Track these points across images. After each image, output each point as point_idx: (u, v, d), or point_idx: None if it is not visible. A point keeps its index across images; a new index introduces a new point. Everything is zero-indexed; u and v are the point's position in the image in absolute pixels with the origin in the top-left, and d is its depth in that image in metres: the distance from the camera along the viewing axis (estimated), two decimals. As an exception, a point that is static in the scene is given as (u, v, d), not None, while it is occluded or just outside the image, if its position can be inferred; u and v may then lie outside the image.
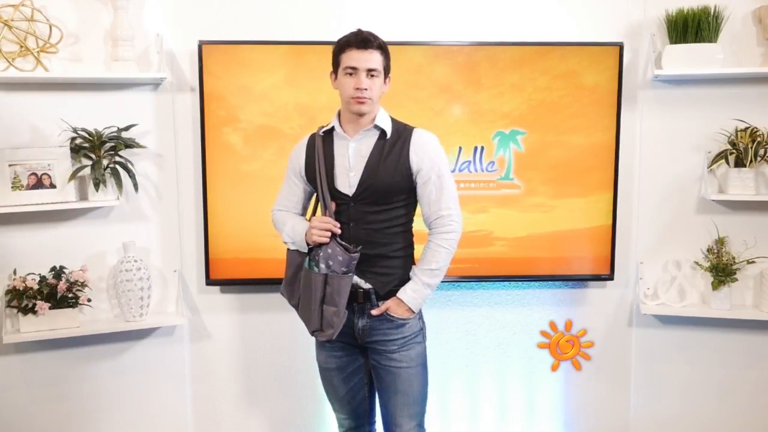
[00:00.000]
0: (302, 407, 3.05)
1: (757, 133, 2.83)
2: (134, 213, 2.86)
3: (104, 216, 2.83)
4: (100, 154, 2.69)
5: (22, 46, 2.62)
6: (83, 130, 2.67)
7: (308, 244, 2.18)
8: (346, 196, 2.16)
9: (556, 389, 3.13)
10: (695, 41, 2.80)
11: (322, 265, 2.14)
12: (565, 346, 3.10)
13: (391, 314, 2.18)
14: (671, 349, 3.07)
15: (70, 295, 2.68)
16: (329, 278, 2.13)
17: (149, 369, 2.93)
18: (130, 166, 2.73)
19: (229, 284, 2.93)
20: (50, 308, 2.64)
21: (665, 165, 2.98)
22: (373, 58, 2.10)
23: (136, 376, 2.92)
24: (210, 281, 2.87)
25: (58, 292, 2.64)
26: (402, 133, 2.21)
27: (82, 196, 2.74)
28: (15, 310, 2.65)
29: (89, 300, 2.72)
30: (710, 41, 2.80)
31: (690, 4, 2.82)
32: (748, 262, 2.92)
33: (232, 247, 2.84)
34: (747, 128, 2.84)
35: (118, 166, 2.71)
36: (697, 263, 2.97)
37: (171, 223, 2.90)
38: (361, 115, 2.14)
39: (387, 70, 2.17)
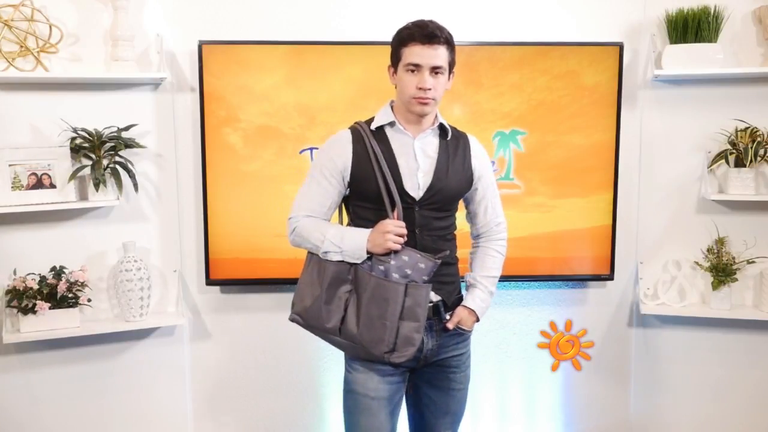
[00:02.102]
0: (302, 407, 3.05)
1: (757, 133, 2.83)
2: (134, 213, 2.86)
3: (104, 216, 2.83)
4: (100, 154, 2.69)
5: (22, 46, 2.62)
6: (83, 130, 2.67)
7: (368, 253, 1.93)
8: (413, 199, 1.97)
9: (556, 389, 3.13)
10: (695, 41, 2.80)
11: (395, 275, 1.90)
12: (565, 346, 3.10)
13: (462, 326, 2.05)
14: (671, 349, 3.07)
15: (70, 295, 2.68)
16: (409, 289, 1.89)
17: (149, 369, 2.93)
18: (130, 166, 2.73)
19: (229, 284, 2.93)
20: (50, 308, 2.64)
21: (665, 165, 2.98)
22: (438, 54, 1.92)
23: (136, 376, 2.92)
24: (210, 281, 2.87)
25: (58, 292, 2.64)
26: (460, 136, 2.11)
27: (82, 196, 2.74)
28: (15, 310, 2.65)
29: (89, 300, 2.72)
30: (710, 41, 2.80)
31: (690, 4, 2.82)
32: (748, 262, 2.92)
33: (232, 247, 2.84)
34: (747, 128, 2.84)
35: (118, 166, 2.71)
36: (697, 263, 2.97)
37: (171, 223, 2.90)
38: (423, 115, 1.99)
39: (452, 65, 2.00)
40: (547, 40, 2.86)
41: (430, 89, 1.92)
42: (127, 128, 2.73)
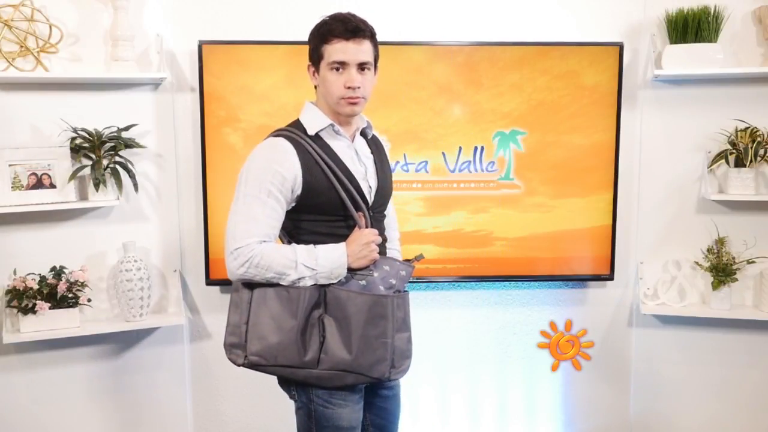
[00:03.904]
0: (302, 407, 3.05)
1: (757, 133, 2.83)
2: (134, 213, 2.86)
3: (104, 216, 2.83)
4: (100, 154, 2.69)
5: (22, 46, 2.62)
6: (83, 130, 2.67)
7: (350, 269, 1.80)
8: (367, 204, 1.86)
9: (556, 389, 3.13)
10: (695, 41, 2.80)
11: (381, 288, 1.80)
12: (565, 346, 3.10)
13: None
14: (671, 349, 3.07)
15: (70, 295, 2.68)
16: (397, 300, 1.80)
17: (149, 369, 2.93)
18: (130, 166, 2.73)
19: (230, 284, 2.90)
20: (50, 308, 2.64)
21: (665, 165, 2.98)
22: (364, 50, 1.78)
23: (136, 376, 2.92)
24: (210, 281, 2.87)
25: (58, 292, 2.64)
26: (374, 135, 2.01)
27: (82, 196, 2.74)
28: (15, 310, 2.65)
29: (89, 300, 2.72)
30: (710, 41, 2.80)
31: (690, 4, 2.82)
32: (748, 262, 2.92)
33: (232, 247, 2.84)
34: (747, 128, 2.84)
35: (118, 166, 2.71)
36: (697, 263, 2.97)
37: (171, 223, 2.90)
38: (352, 116, 1.86)
39: (377, 60, 1.86)
40: (547, 40, 2.86)
41: (359, 87, 1.79)
42: (127, 128, 2.73)
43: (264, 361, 1.80)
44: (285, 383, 1.92)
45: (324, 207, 1.82)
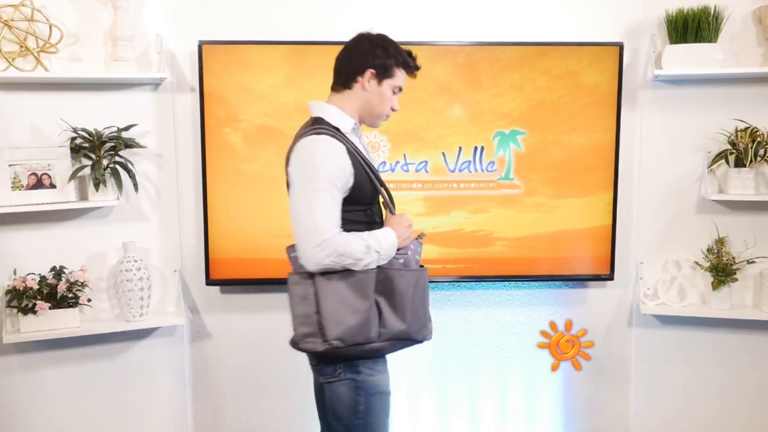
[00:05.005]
0: (303, 407, 3.05)
1: (757, 133, 2.83)
2: (134, 213, 2.86)
3: (104, 216, 2.83)
4: (100, 154, 2.69)
5: (22, 46, 2.62)
6: (83, 130, 2.67)
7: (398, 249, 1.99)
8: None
9: (556, 389, 3.13)
10: (695, 41, 2.80)
11: (413, 263, 2.00)
12: (565, 346, 3.10)
13: None
14: (671, 349, 3.07)
15: (70, 295, 2.68)
16: (424, 272, 2.02)
17: (149, 369, 2.93)
18: (130, 166, 2.73)
19: (229, 284, 2.93)
20: (50, 308, 2.64)
21: (665, 165, 2.98)
22: None
23: (136, 376, 2.92)
24: (210, 281, 2.87)
25: (58, 292, 2.64)
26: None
27: (82, 196, 2.74)
28: (15, 310, 2.65)
29: (89, 300, 2.72)
30: (710, 41, 2.80)
31: (690, 4, 2.82)
32: (748, 262, 2.92)
33: (232, 247, 2.84)
34: (747, 128, 2.84)
35: (118, 166, 2.71)
36: (697, 263, 2.97)
37: (171, 223, 2.90)
38: (374, 128, 2.15)
39: None
40: (547, 40, 2.86)
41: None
42: (127, 128, 2.73)
43: (343, 343, 1.89)
44: (330, 363, 1.98)
45: (362, 197, 1.97)
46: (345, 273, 1.89)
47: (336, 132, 1.95)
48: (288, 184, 2.00)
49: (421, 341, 2.02)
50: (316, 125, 1.95)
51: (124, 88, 2.80)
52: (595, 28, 2.92)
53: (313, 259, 1.85)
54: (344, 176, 1.90)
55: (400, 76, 2.02)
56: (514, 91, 2.84)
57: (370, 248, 1.89)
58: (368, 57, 1.99)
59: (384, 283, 1.93)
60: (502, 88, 2.84)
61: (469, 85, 2.83)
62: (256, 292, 2.98)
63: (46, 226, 2.75)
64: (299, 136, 1.98)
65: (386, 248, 1.93)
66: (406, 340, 1.98)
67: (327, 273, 1.89)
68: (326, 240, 1.83)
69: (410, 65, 2.04)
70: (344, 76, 2.01)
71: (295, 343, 1.96)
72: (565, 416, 3.14)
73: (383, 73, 2.00)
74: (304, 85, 2.78)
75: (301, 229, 1.87)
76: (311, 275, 1.90)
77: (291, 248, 1.98)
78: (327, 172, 1.87)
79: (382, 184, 2.05)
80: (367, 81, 1.99)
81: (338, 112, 2.00)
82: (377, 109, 2.02)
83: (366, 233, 1.92)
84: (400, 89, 2.04)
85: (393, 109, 2.05)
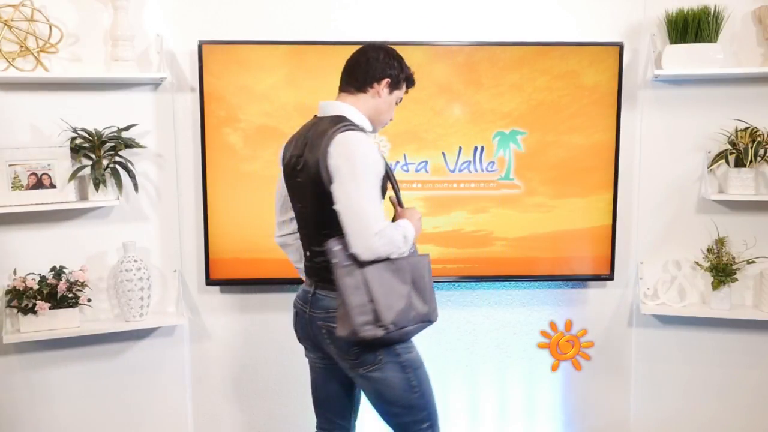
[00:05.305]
0: (303, 407, 3.04)
1: (757, 133, 2.83)
2: (134, 213, 2.86)
3: (104, 216, 2.83)
4: (100, 154, 2.69)
5: (22, 46, 2.62)
6: (83, 130, 2.67)
7: None
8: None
9: (556, 389, 3.13)
10: (695, 41, 2.80)
11: (416, 252, 2.13)
12: (565, 346, 3.10)
13: None
14: (671, 349, 3.07)
15: (70, 295, 2.68)
16: None
17: (149, 369, 2.93)
18: (130, 166, 2.73)
19: (229, 284, 2.93)
20: (50, 308, 2.64)
21: (665, 165, 2.98)
22: None
23: (136, 376, 2.92)
24: (210, 281, 2.87)
25: (58, 292, 2.65)
26: None
27: (82, 196, 2.74)
28: (15, 310, 2.65)
29: (89, 300, 2.72)
30: (710, 41, 2.80)
31: (690, 4, 2.82)
32: (748, 262, 2.92)
33: (232, 247, 2.84)
34: (747, 128, 2.84)
35: (118, 166, 2.71)
36: (697, 263, 2.97)
37: (171, 223, 2.90)
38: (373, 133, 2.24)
39: None
40: (547, 40, 2.86)
41: None
42: (127, 128, 2.73)
43: (395, 327, 1.99)
44: (371, 351, 2.05)
45: (382, 193, 2.06)
46: (387, 261, 1.98)
47: (362, 130, 2.06)
48: (311, 178, 2.01)
49: (433, 322, 2.12)
50: (346, 122, 2.03)
51: (124, 88, 2.80)
52: (595, 28, 2.92)
53: (371, 248, 1.93)
54: (381, 171, 2.01)
55: (403, 89, 2.17)
56: (514, 91, 2.84)
57: (407, 238, 2.01)
58: (386, 67, 2.11)
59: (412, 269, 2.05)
60: (502, 88, 2.84)
61: (469, 85, 2.83)
62: (256, 292, 2.98)
63: (46, 226, 2.75)
64: (331, 132, 1.99)
65: (411, 238, 2.06)
66: (426, 321, 2.09)
67: (373, 262, 1.97)
68: (383, 230, 1.93)
69: (413, 81, 2.20)
70: (361, 81, 2.10)
71: (354, 333, 1.97)
72: (565, 416, 3.14)
73: (395, 84, 2.13)
74: (304, 85, 2.78)
75: (358, 219, 1.93)
76: (360, 265, 1.96)
77: (335, 241, 1.98)
78: (373, 166, 1.98)
79: (395, 181, 2.17)
80: (382, 88, 2.11)
81: (357, 113, 2.09)
82: (383, 115, 2.15)
83: (395, 224, 2.02)
84: (400, 100, 2.19)
85: (390, 119, 2.20)
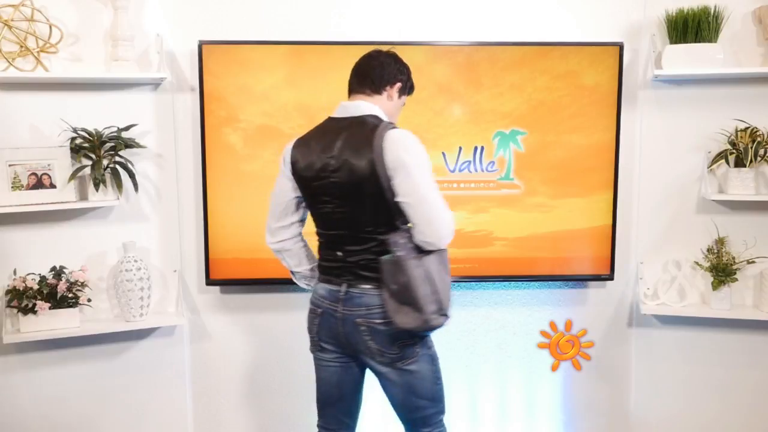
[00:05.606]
0: (303, 407, 3.05)
1: (757, 133, 2.83)
2: (134, 213, 2.86)
3: (104, 216, 2.83)
4: (100, 154, 2.69)
5: (22, 46, 2.62)
6: (83, 130, 2.67)
7: None
8: None
9: (556, 389, 3.13)
10: (695, 41, 2.80)
11: None
12: (565, 346, 3.10)
13: None
14: (671, 349, 3.07)
15: (70, 295, 2.68)
16: None
17: (149, 369, 2.93)
18: (130, 166, 2.73)
19: (229, 284, 2.93)
20: (50, 308, 2.64)
21: (665, 165, 2.98)
22: None
23: (136, 376, 2.92)
24: (210, 281, 2.87)
25: (58, 292, 2.64)
26: None
27: (82, 196, 2.74)
28: (15, 310, 2.65)
29: (89, 300, 2.72)
30: (710, 41, 2.80)
31: (690, 4, 2.82)
32: (748, 262, 2.92)
33: (232, 247, 2.84)
34: (747, 128, 2.84)
35: (118, 166, 2.71)
36: (697, 263, 2.97)
37: (171, 223, 2.90)
38: None
39: None
40: (547, 40, 2.86)
41: None
42: (127, 128, 2.73)
43: (449, 316, 2.10)
44: (412, 343, 2.13)
45: None
46: (438, 252, 2.07)
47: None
48: (355, 177, 2.04)
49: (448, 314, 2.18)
50: (386, 120, 2.12)
51: (124, 88, 2.80)
52: (595, 28, 2.92)
53: (446, 236, 2.05)
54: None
55: (406, 95, 2.25)
56: (514, 91, 2.84)
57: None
58: (398, 72, 2.20)
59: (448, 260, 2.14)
60: (502, 88, 2.84)
61: (469, 85, 2.83)
62: (256, 292, 2.98)
63: (46, 226, 2.75)
64: (380, 129, 2.03)
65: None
66: (446, 315, 2.14)
67: (429, 253, 2.04)
68: (452, 218, 2.07)
69: (413, 89, 2.30)
70: (376, 83, 2.16)
71: (425, 322, 2.03)
72: (565, 416, 3.14)
73: (403, 89, 2.22)
74: (304, 85, 2.78)
75: (430, 209, 2.01)
76: (422, 257, 2.03)
77: (398, 235, 2.03)
78: (428, 160, 2.08)
79: None
80: (394, 92, 2.19)
81: (382, 113, 2.15)
82: (393, 118, 2.20)
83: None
84: (402, 106, 2.27)
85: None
